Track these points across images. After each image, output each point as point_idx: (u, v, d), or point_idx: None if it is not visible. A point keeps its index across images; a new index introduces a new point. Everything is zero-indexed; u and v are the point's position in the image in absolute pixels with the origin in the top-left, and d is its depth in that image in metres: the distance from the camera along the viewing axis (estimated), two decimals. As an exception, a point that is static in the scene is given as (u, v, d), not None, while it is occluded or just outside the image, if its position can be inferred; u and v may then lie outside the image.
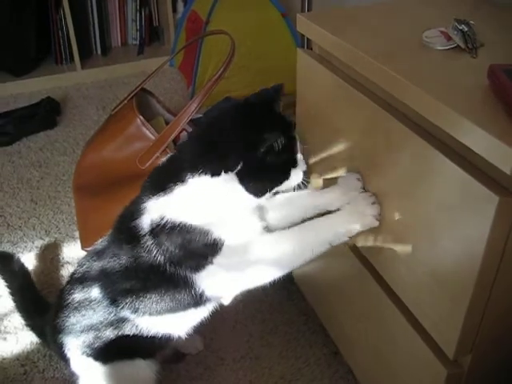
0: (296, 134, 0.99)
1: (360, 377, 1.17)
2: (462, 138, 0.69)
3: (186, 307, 1.02)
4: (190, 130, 1.62)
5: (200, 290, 0.99)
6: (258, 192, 0.94)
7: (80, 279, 1.09)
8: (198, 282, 0.98)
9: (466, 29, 0.86)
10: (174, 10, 2.81)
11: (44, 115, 2.28)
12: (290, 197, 1.04)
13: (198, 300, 1.00)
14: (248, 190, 0.93)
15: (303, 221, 1.01)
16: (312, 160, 1.13)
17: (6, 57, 2.61)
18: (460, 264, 0.75)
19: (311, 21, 1.00)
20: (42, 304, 1.33)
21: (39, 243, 1.67)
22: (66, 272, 1.56)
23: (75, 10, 2.58)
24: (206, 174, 0.91)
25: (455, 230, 0.74)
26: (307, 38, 2.11)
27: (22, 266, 1.38)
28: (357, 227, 0.94)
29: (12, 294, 1.35)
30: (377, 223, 0.93)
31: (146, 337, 1.07)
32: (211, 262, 0.95)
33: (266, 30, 2.39)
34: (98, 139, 1.67)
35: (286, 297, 1.46)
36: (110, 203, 1.53)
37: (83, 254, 1.55)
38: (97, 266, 1.06)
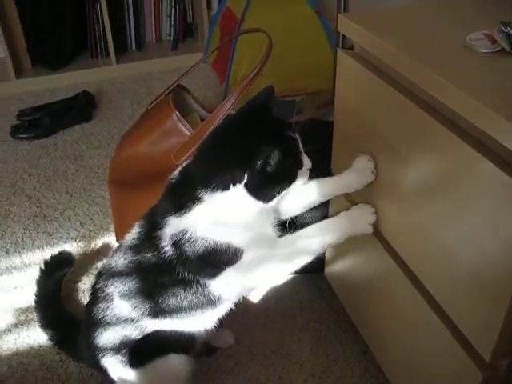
0: (296, 134, 1.02)
1: (391, 376, 1.17)
2: (506, 142, 0.69)
3: (204, 308, 1.08)
4: (224, 126, 1.64)
5: (217, 294, 1.05)
6: (267, 198, 0.99)
7: (102, 289, 1.13)
8: (214, 287, 1.04)
9: (511, 31, 0.85)
10: (209, 6, 2.82)
11: (80, 109, 2.32)
12: (307, 185, 1.10)
13: (215, 302, 1.07)
14: (257, 198, 0.97)
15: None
16: (349, 159, 1.13)
17: (44, 51, 2.66)
18: (501, 266, 0.75)
19: (353, 21, 1.00)
20: (68, 320, 1.35)
21: (74, 234, 1.71)
22: (100, 263, 1.59)
23: (111, 6, 2.61)
24: (217, 189, 0.96)
25: (497, 232, 0.74)
26: (343, 37, 2.11)
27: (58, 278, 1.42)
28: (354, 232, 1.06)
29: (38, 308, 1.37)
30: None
31: (174, 335, 1.11)
32: (227, 269, 1.02)
33: (300, 27, 2.39)
34: (133, 134, 1.70)
35: (317, 294, 1.47)
36: (145, 197, 1.55)
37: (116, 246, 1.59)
38: (117, 275, 1.10)
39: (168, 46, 2.91)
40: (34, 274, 1.55)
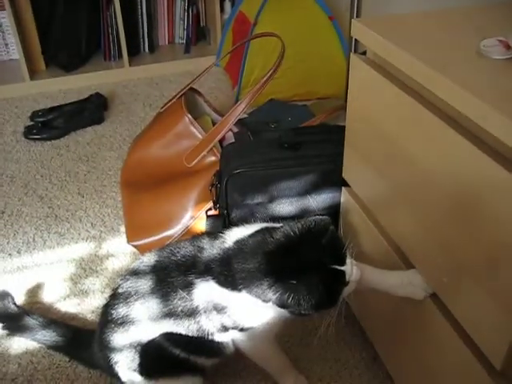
0: (348, 260, 0.97)
1: (399, 383, 1.17)
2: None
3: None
4: (235, 130, 1.65)
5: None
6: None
7: (124, 295, 1.13)
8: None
9: (526, 38, 0.85)
10: (222, 10, 2.83)
11: (92, 111, 2.34)
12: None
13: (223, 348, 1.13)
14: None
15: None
16: (360, 165, 1.13)
17: (58, 53, 2.68)
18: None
19: (367, 26, 1.00)
20: (78, 335, 1.35)
21: (85, 235, 1.72)
22: (111, 264, 1.60)
23: (125, 8, 2.63)
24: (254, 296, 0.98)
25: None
26: (355, 43, 2.12)
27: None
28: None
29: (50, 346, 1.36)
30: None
31: (193, 355, 1.13)
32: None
33: (313, 32, 2.40)
34: (146, 136, 1.72)
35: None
36: (157, 199, 1.57)
37: (128, 247, 1.60)
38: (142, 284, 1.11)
39: (181, 49, 2.92)
40: (45, 273, 1.57)
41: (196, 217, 1.49)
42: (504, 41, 0.88)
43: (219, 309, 1.03)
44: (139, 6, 2.77)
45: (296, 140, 1.38)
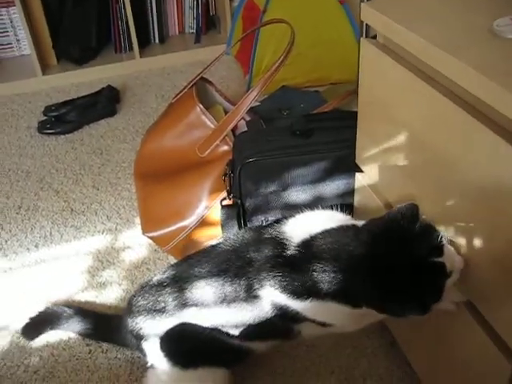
0: (443, 239, 0.88)
1: (418, 368, 1.17)
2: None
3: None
4: (247, 118, 1.64)
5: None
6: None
7: (167, 285, 1.14)
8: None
9: (540, 16, 0.83)
10: (231, -3, 2.81)
11: (105, 103, 2.34)
12: None
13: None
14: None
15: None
16: (373, 151, 1.12)
17: (69, 47, 2.69)
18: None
19: (376, 10, 0.98)
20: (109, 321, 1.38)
21: (101, 228, 1.73)
22: (127, 256, 1.61)
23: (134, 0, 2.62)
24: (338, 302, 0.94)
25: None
26: (367, 26, 2.09)
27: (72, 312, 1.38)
28: None
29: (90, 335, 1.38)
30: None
31: (229, 346, 1.11)
32: None
33: (323, 17, 2.37)
34: (158, 127, 1.71)
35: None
36: (171, 190, 1.57)
37: (144, 238, 1.60)
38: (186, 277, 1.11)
39: (191, 39, 2.91)
40: (63, 267, 1.58)
41: (211, 206, 1.49)
42: (518, 19, 0.86)
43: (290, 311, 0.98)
44: (148, -3, 2.76)
45: (308, 127, 1.37)
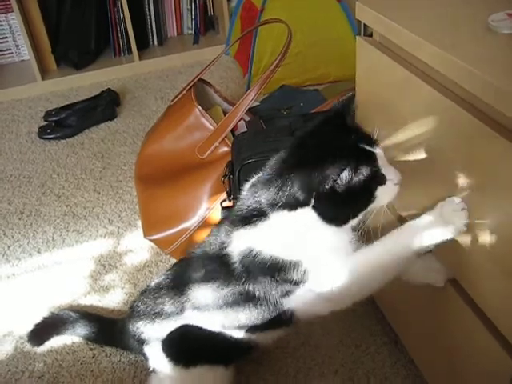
0: (376, 146, 0.91)
1: (422, 367, 1.16)
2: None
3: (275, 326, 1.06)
4: (247, 119, 1.64)
5: (289, 312, 1.01)
6: (340, 222, 0.91)
7: (164, 289, 1.14)
8: (287, 305, 1.00)
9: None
10: (228, -2, 2.81)
11: (105, 107, 2.35)
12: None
13: (288, 320, 1.03)
14: (328, 221, 0.90)
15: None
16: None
17: (68, 51, 2.69)
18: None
19: (371, 8, 0.98)
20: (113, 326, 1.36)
21: (103, 232, 1.73)
22: (129, 260, 1.61)
23: (132, 3, 2.62)
24: (283, 209, 0.91)
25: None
26: (364, 24, 2.08)
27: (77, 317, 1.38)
28: (443, 236, 0.89)
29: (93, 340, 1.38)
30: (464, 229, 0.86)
31: (229, 345, 1.11)
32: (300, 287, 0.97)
33: (321, 15, 2.37)
34: (157, 130, 1.71)
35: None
36: (172, 192, 1.57)
37: (146, 242, 1.60)
38: (182, 280, 1.11)
39: (189, 40, 2.91)
40: (66, 271, 1.59)
41: (212, 208, 1.49)
42: (513, 14, 0.86)
43: (254, 255, 0.95)
44: (146, 0, 2.76)
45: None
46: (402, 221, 1.08)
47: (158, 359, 1.16)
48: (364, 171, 0.87)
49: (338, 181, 0.86)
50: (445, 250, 0.95)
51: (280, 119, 1.62)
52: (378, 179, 0.89)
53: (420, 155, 0.95)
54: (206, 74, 1.80)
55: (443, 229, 0.88)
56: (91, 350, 1.36)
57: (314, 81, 2.39)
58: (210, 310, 1.06)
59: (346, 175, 0.86)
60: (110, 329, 1.35)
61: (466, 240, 0.87)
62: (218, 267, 1.02)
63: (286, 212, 0.91)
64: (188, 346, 1.13)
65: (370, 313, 1.37)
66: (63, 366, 1.33)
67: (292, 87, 2.28)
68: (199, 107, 1.59)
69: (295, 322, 1.05)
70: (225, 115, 1.64)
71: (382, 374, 1.24)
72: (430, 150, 0.92)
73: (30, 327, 1.38)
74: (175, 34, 2.98)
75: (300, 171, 0.89)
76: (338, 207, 0.90)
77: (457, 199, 0.86)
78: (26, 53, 2.72)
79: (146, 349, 1.18)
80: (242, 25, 2.57)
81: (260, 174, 1.00)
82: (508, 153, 0.72)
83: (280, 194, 0.90)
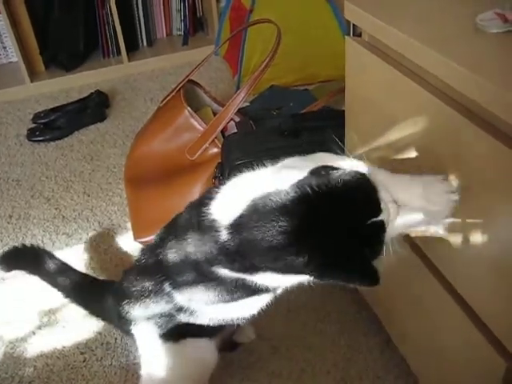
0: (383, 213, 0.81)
1: (414, 366, 1.16)
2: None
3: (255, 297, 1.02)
4: (237, 120, 1.63)
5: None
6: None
7: (144, 269, 1.12)
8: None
9: (525, 8, 0.82)
10: (217, -2, 2.80)
11: (94, 109, 2.33)
12: None
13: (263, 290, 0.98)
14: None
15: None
16: (361, 148, 1.12)
17: (56, 53, 2.67)
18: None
19: (359, 7, 0.98)
20: (96, 287, 1.34)
21: (93, 234, 1.72)
22: (120, 262, 1.60)
23: (121, 4, 2.60)
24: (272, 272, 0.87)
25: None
26: (354, 24, 2.08)
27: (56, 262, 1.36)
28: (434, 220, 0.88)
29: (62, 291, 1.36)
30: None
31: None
32: None
33: (311, 15, 2.36)
34: (147, 131, 1.71)
35: (338, 285, 1.45)
36: (161, 194, 1.56)
37: (136, 244, 1.59)
38: (162, 258, 1.07)
39: (179, 41, 2.90)
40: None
41: (202, 210, 1.48)
42: (501, 13, 0.85)
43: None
44: (134, 1, 2.74)
45: (296, 127, 1.37)
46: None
47: (146, 339, 1.14)
48: (374, 242, 0.82)
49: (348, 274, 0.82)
50: (436, 249, 0.95)
51: (270, 119, 1.62)
52: (384, 231, 0.83)
53: (409, 154, 0.95)
54: (196, 75, 1.80)
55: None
56: (82, 354, 1.35)
57: (304, 81, 2.39)
58: (190, 291, 1.03)
59: (355, 266, 0.81)
60: (89, 289, 1.33)
61: (455, 238, 0.87)
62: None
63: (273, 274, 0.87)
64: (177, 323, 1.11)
65: (362, 313, 1.37)
66: (54, 370, 1.32)
67: (282, 87, 2.28)
68: (189, 108, 1.59)
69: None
70: (214, 116, 1.64)
71: (374, 374, 1.24)
72: (418, 148, 0.92)
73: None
74: (164, 35, 2.96)
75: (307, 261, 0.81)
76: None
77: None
78: (13, 55, 2.69)
79: (134, 329, 1.15)
80: (231, 25, 2.56)
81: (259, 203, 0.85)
82: (494, 150, 0.72)
83: (279, 261, 0.83)
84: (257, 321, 1.33)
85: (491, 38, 0.82)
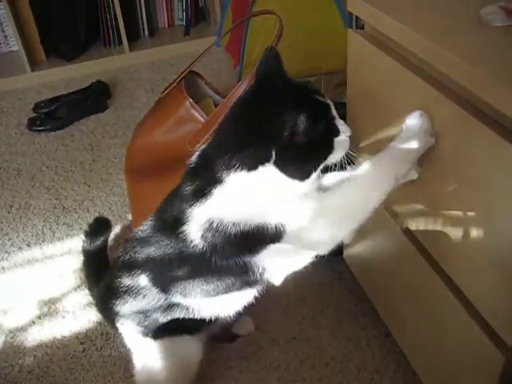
0: (327, 98, 0.91)
1: (412, 359, 1.16)
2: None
3: (239, 288, 1.02)
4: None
5: (259, 271, 0.96)
6: (302, 175, 0.88)
7: (128, 265, 1.11)
8: (257, 265, 0.95)
9: (528, 3, 0.82)
10: (220, -12, 2.79)
11: (95, 99, 2.32)
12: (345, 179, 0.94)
13: (255, 281, 0.98)
14: (290, 176, 0.87)
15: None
16: (364, 140, 1.11)
17: (58, 42, 2.66)
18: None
19: (363, 0, 0.97)
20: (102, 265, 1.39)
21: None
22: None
23: (123, -7, 2.60)
24: (241, 169, 0.87)
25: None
26: (356, 17, 2.07)
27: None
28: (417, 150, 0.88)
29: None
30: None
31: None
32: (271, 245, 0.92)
33: (313, 7, 2.35)
34: (148, 122, 1.70)
35: (337, 278, 1.46)
36: (162, 185, 1.55)
37: (136, 235, 1.59)
38: (145, 254, 1.07)
39: (180, 32, 2.88)
40: (56, 265, 1.57)
41: (202, 201, 1.48)
42: (505, 7, 0.85)
43: (216, 228, 0.91)
44: (136, -10, 2.74)
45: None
46: (393, 216, 1.08)
47: (132, 337, 1.16)
48: (321, 120, 0.87)
49: (296, 129, 0.84)
50: (435, 243, 0.95)
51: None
52: (333, 131, 0.90)
53: (411, 148, 0.94)
54: (197, 66, 1.78)
55: (414, 142, 0.87)
56: (81, 343, 1.36)
57: (307, 73, 2.37)
58: (174, 287, 1.04)
59: (303, 121, 0.84)
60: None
61: (454, 231, 0.87)
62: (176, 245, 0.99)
63: (244, 173, 0.87)
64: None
65: (361, 306, 1.37)
66: (53, 360, 1.33)
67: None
68: (190, 99, 1.58)
69: (264, 281, 1.01)
70: (216, 107, 1.63)
71: (373, 367, 1.24)
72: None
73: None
74: (166, 25, 2.95)
75: (255, 126, 0.87)
76: (299, 160, 0.88)
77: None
78: (14, 43, 2.68)
79: (120, 326, 1.16)
80: (234, 16, 2.55)
81: (208, 144, 0.98)
82: (494, 143, 0.72)
83: (238, 154, 0.87)
84: (256, 313, 1.34)
85: (495, 32, 0.81)
